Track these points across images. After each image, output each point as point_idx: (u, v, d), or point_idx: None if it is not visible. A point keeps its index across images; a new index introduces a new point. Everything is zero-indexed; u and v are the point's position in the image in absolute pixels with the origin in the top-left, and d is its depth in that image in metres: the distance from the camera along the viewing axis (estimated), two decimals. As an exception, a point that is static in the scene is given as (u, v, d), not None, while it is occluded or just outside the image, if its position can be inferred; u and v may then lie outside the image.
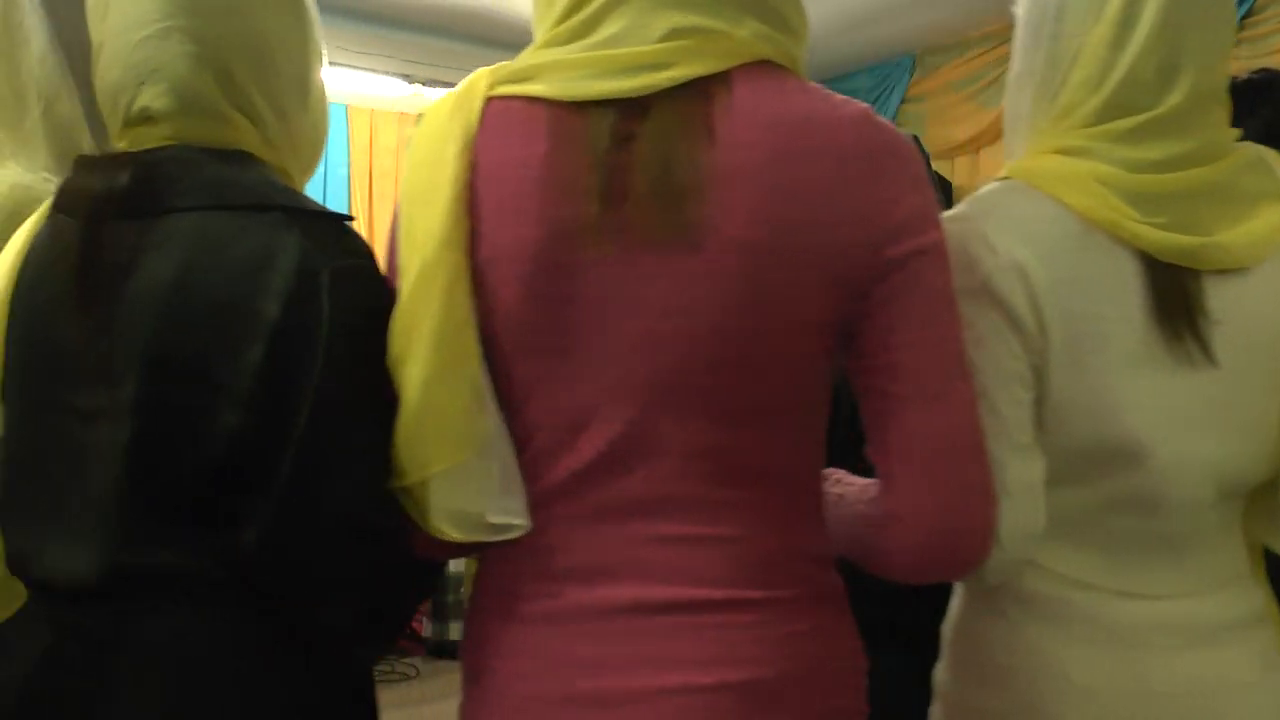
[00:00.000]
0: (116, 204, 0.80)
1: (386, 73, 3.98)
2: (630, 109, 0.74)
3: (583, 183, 0.74)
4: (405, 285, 0.77)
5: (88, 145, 1.14)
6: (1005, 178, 0.89)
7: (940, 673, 0.97)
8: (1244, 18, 3.12)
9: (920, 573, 0.80)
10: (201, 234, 0.79)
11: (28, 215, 0.89)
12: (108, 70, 0.84)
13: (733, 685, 0.74)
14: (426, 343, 0.76)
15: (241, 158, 0.85)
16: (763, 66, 0.76)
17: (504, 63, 0.81)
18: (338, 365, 0.78)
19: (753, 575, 0.76)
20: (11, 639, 0.85)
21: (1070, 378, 0.84)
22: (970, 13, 4.26)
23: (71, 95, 1.13)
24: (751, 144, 0.73)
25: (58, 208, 0.85)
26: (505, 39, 5.00)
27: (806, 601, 0.79)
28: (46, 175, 1.08)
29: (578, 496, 0.78)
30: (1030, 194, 0.86)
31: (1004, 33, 4.81)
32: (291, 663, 0.82)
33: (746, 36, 0.75)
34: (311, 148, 0.94)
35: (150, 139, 0.84)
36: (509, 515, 0.78)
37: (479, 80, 0.80)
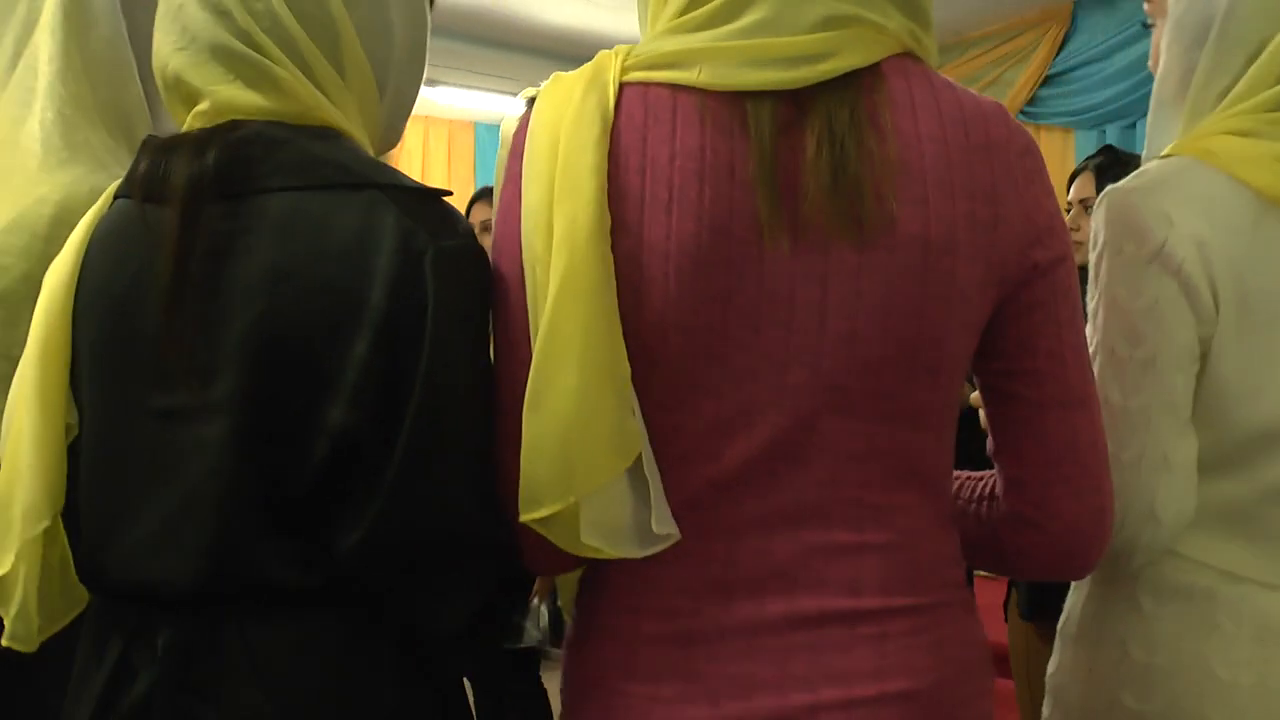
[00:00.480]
0: (209, 186, 0.74)
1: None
2: (790, 100, 0.71)
3: (747, 175, 0.70)
4: (552, 283, 0.70)
5: (147, 127, 1.08)
6: (1170, 155, 0.89)
7: (1058, 674, 0.95)
8: None
9: (1052, 571, 0.81)
10: (296, 215, 0.74)
11: None
12: (171, 53, 0.80)
13: (892, 697, 0.71)
14: (577, 347, 0.69)
15: (328, 133, 0.79)
16: (906, 59, 0.74)
17: (626, 47, 0.76)
18: (445, 356, 0.73)
19: (905, 583, 0.74)
20: (76, 648, 0.80)
21: (1237, 356, 0.84)
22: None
23: (136, 81, 1.08)
24: (920, 138, 0.71)
25: (132, 194, 0.79)
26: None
27: (952, 607, 0.77)
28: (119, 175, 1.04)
29: (718, 506, 0.74)
30: (1206, 171, 0.86)
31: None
32: (385, 677, 0.78)
33: (896, 28, 0.73)
34: (387, 134, 0.89)
35: (229, 116, 0.79)
36: (663, 526, 0.72)
37: (607, 64, 0.75)
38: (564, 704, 0.81)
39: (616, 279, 0.71)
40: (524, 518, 0.69)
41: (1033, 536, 0.77)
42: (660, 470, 0.74)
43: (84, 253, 0.80)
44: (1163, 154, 0.91)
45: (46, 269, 0.88)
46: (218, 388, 0.73)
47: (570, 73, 0.76)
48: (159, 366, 0.75)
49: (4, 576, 0.79)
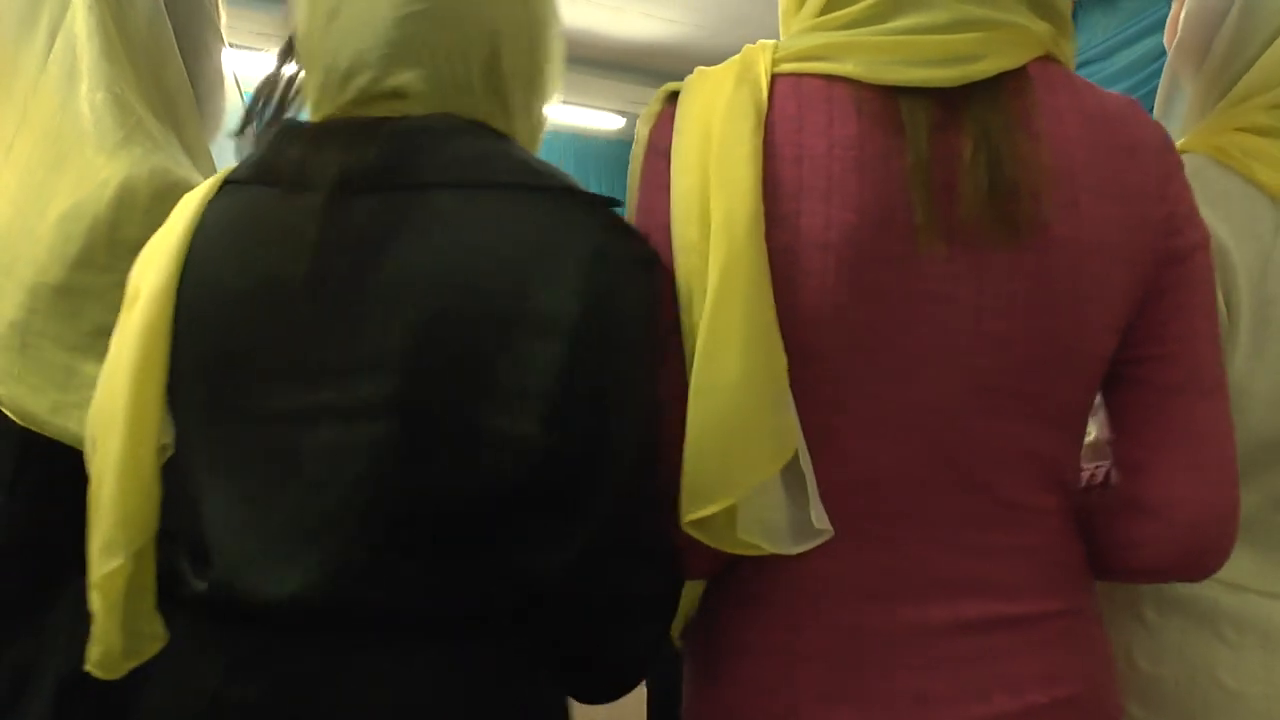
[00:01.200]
0: (366, 177, 0.70)
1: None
2: (944, 98, 0.71)
3: (902, 171, 0.70)
4: (710, 275, 0.69)
5: (193, 115, 1.04)
6: (1183, 151, 0.87)
7: None
8: None
9: (1169, 568, 0.78)
10: (467, 213, 0.69)
11: (172, 201, 0.80)
12: (342, 43, 0.74)
13: (1063, 703, 0.71)
14: (739, 340, 0.68)
15: (495, 133, 0.76)
16: (1048, 61, 0.74)
17: (772, 42, 0.76)
18: (643, 368, 0.70)
19: (1057, 586, 0.74)
20: (166, 669, 0.75)
21: (1253, 364, 0.84)
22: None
23: (178, 60, 1.04)
24: (1071, 140, 0.71)
25: (276, 182, 0.73)
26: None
27: (1092, 610, 0.77)
28: (174, 156, 0.98)
29: (871, 511, 0.72)
30: (1220, 171, 0.86)
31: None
32: (510, 709, 0.73)
33: (1040, 32, 0.73)
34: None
35: (388, 113, 0.74)
36: (821, 520, 0.70)
37: (756, 57, 0.74)
38: None
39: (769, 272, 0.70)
40: (690, 517, 0.67)
41: (1151, 527, 0.75)
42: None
43: (189, 244, 0.74)
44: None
45: (110, 255, 0.85)
46: (366, 389, 0.67)
47: (715, 67, 0.75)
48: (288, 366, 0.69)
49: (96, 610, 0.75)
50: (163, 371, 0.72)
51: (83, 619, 0.76)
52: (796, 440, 0.70)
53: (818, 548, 0.70)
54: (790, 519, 0.70)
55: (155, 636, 0.76)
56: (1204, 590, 0.86)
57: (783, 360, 0.69)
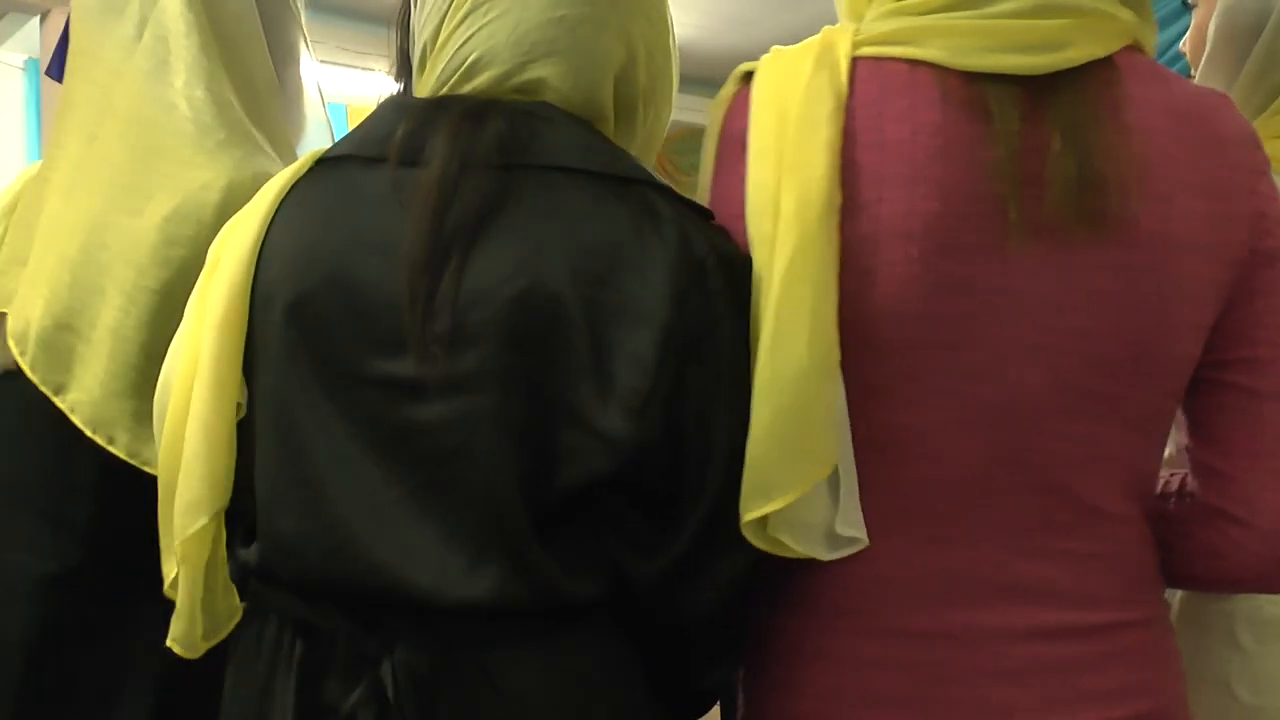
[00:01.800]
0: (484, 153, 0.71)
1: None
2: (1030, 86, 0.69)
3: (988, 161, 0.68)
4: (778, 262, 0.67)
5: (282, 119, 1.02)
6: None
7: None
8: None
9: (1254, 578, 0.76)
10: (568, 197, 0.71)
11: None
12: (480, 36, 0.75)
13: (1143, 715, 0.70)
14: (806, 330, 0.67)
15: (598, 131, 0.78)
16: (1134, 51, 0.72)
17: (850, 24, 0.74)
18: (731, 366, 0.70)
19: (1133, 595, 0.72)
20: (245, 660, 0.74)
21: None
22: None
23: (269, 65, 1.01)
24: (1159, 132, 0.69)
25: (373, 156, 0.74)
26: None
27: (1164, 621, 0.75)
28: (273, 160, 0.95)
29: (941, 512, 0.70)
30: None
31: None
32: (641, 704, 0.73)
33: (1126, 20, 0.71)
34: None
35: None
36: (854, 528, 0.69)
37: (838, 38, 0.72)
38: None
39: (843, 261, 0.68)
40: (751, 515, 0.66)
41: (1236, 536, 0.73)
42: (873, 470, 0.70)
43: (270, 220, 0.74)
44: None
45: None
46: (469, 361, 0.68)
47: (791, 47, 0.73)
48: (396, 335, 0.69)
49: (172, 579, 0.75)
50: (243, 332, 0.73)
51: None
52: (846, 439, 0.68)
53: (884, 550, 0.69)
54: (826, 522, 0.69)
55: (233, 610, 0.76)
56: None
57: (838, 355, 0.68)
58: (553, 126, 0.74)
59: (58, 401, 0.86)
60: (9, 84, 3.19)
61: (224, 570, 0.75)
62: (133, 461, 0.86)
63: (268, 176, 0.85)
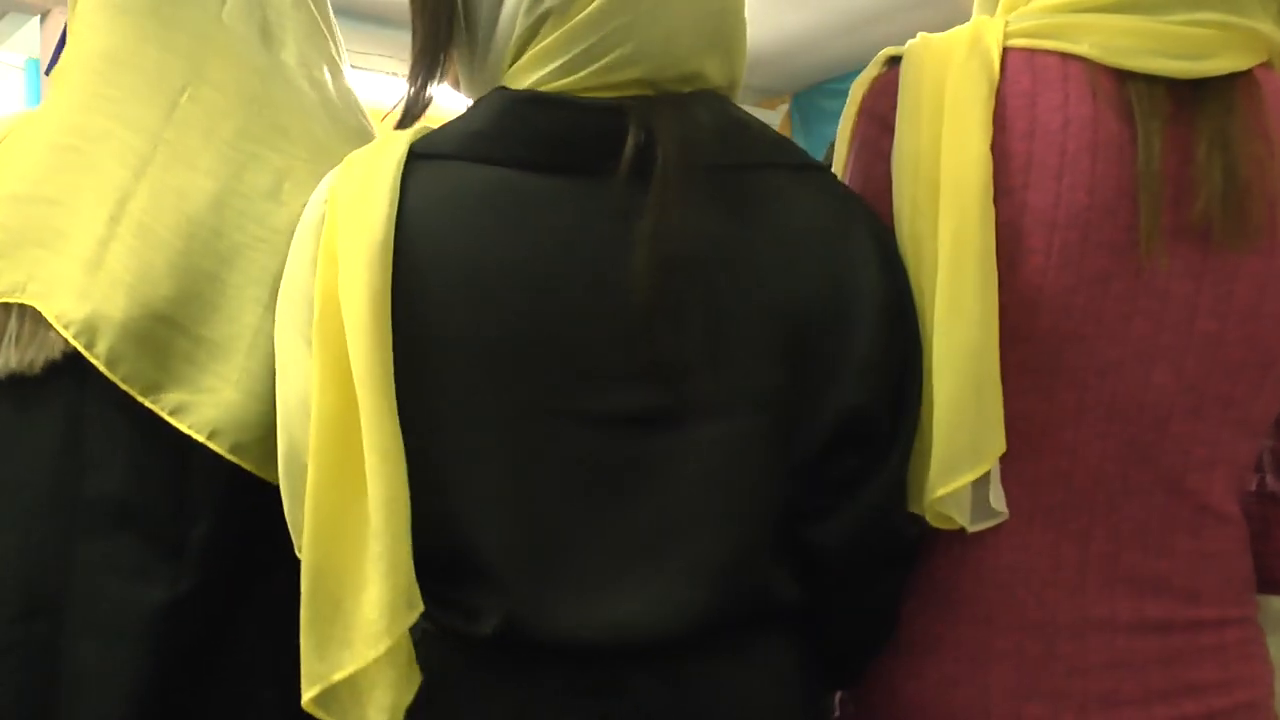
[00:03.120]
0: (701, 157, 0.65)
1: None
2: (1175, 91, 0.70)
3: (1133, 159, 0.69)
4: (943, 235, 0.68)
5: (350, 116, 0.89)
6: None
7: None
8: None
9: None
10: (780, 195, 0.68)
11: None
12: (643, 24, 0.67)
13: (1243, 707, 0.72)
14: (975, 309, 0.67)
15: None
16: (1268, 68, 0.74)
17: (999, 16, 0.75)
18: (915, 339, 0.71)
19: (1233, 592, 0.74)
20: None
21: None
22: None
23: (340, 42, 0.93)
24: None
25: (533, 161, 0.65)
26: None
27: (1256, 618, 0.77)
28: None
29: (1066, 504, 0.72)
30: None
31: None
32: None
33: (1270, 37, 0.72)
34: None
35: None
36: (1000, 502, 0.70)
37: (988, 29, 0.73)
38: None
39: None
40: (944, 490, 0.67)
41: None
42: (1005, 460, 0.70)
43: (393, 229, 0.63)
44: None
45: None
46: (725, 384, 0.63)
47: (940, 35, 0.75)
48: (613, 363, 0.63)
49: (354, 676, 0.62)
50: (391, 375, 0.62)
51: (284, 647, 0.66)
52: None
53: (1010, 539, 0.70)
54: (972, 498, 0.70)
55: (416, 681, 0.66)
56: None
57: (997, 333, 0.69)
58: (740, 121, 0.70)
59: (150, 403, 0.74)
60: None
61: (411, 651, 0.66)
62: (264, 476, 0.75)
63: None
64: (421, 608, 0.61)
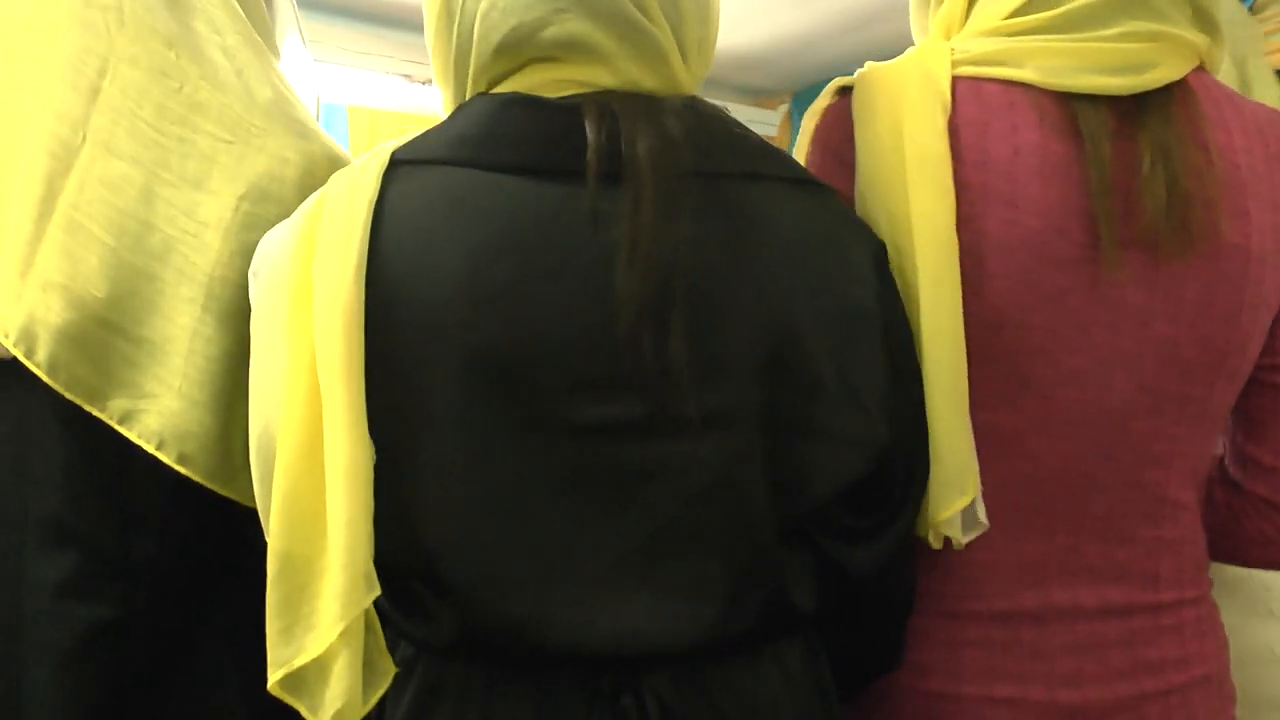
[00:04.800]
0: (678, 162, 0.63)
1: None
2: (1117, 107, 0.73)
3: (1082, 178, 0.72)
4: (922, 266, 0.70)
5: (261, 88, 0.80)
6: None
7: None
8: (1244, 18, 3.12)
9: None
10: (773, 209, 0.66)
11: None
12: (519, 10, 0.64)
13: (1198, 681, 0.76)
14: (951, 334, 0.70)
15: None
16: (1202, 72, 0.76)
17: (945, 43, 0.77)
18: (914, 358, 0.71)
19: (1189, 575, 0.78)
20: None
21: None
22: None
23: (269, 23, 0.87)
24: (1236, 149, 0.74)
25: (518, 165, 0.63)
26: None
27: (1211, 596, 0.81)
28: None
29: (1032, 505, 0.75)
30: None
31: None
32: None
33: (1198, 43, 0.75)
34: None
35: (585, 85, 0.66)
36: (983, 515, 0.74)
37: (932, 58, 0.75)
38: (868, 708, 0.80)
39: None
40: (953, 510, 0.70)
41: None
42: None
43: (371, 235, 0.63)
44: None
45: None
46: (712, 397, 0.63)
47: (886, 65, 0.77)
48: (594, 374, 0.62)
49: (318, 659, 0.62)
50: (362, 371, 0.62)
51: (250, 655, 0.65)
52: None
53: (977, 539, 0.74)
54: (971, 511, 0.73)
55: (388, 673, 0.66)
56: None
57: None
58: (720, 124, 0.68)
59: (96, 410, 0.71)
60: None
61: (379, 639, 0.66)
62: (213, 487, 0.72)
63: (341, 161, 0.74)
64: (379, 591, 0.61)
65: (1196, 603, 0.80)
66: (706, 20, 0.72)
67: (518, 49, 0.65)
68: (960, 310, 0.71)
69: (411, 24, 4.26)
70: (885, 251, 0.71)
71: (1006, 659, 0.76)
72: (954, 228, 0.71)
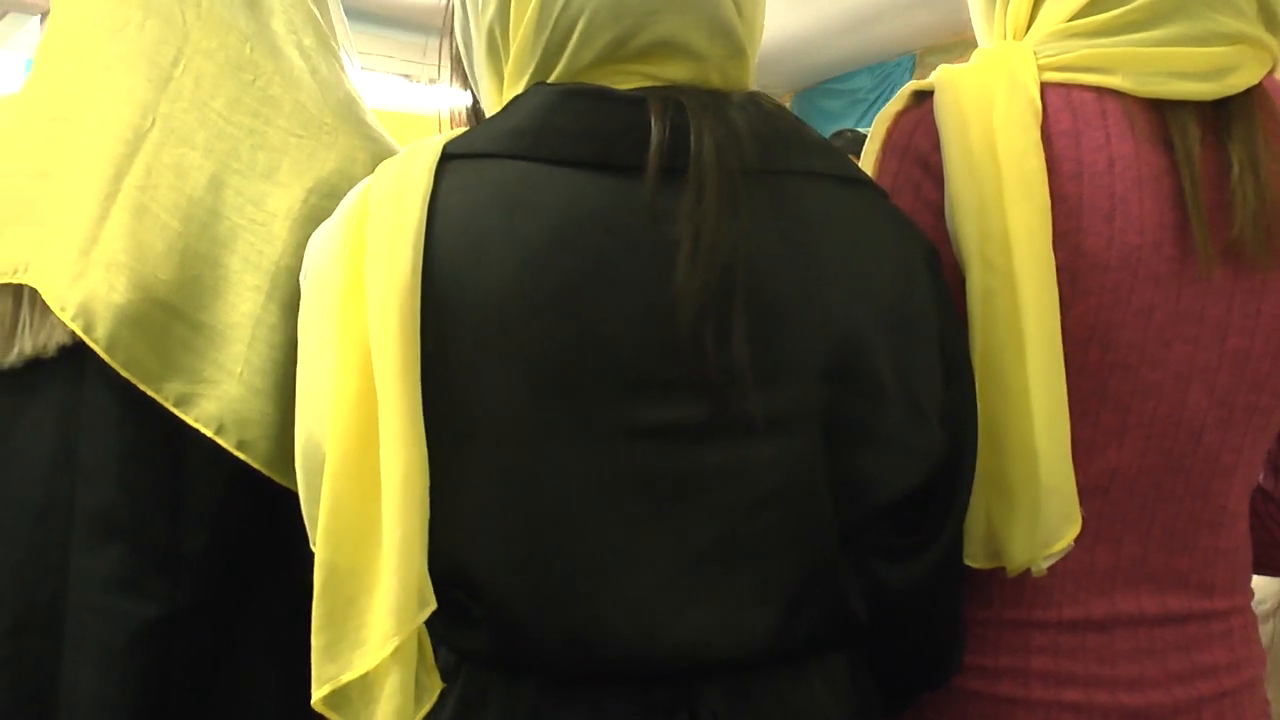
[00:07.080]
0: (744, 158, 0.61)
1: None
2: (1203, 113, 0.71)
3: (1176, 189, 0.70)
4: (1026, 290, 0.68)
5: (338, 88, 0.82)
6: None
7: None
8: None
9: None
10: (832, 207, 0.64)
11: None
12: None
13: (1248, 684, 0.77)
14: (1055, 374, 0.68)
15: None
16: (1273, 77, 0.75)
17: (1025, 45, 0.75)
18: (968, 354, 0.69)
19: (1239, 583, 0.79)
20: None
21: None
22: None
23: (341, 18, 0.88)
24: None
25: (576, 158, 0.61)
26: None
27: (1251, 604, 0.83)
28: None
29: (1102, 511, 0.75)
30: None
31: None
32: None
33: (1273, 46, 0.73)
34: None
35: (656, 78, 0.64)
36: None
37: (1021, 64, 0.73)
38: (936, 714, 0.79)
39: None
40: (1052, 550, 0.69)
41: None
42: None
43: (423, 234, 0.61)
44: None
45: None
46: (773, 400, 0.60)
47: (967, 67, 0.74)
48: (655, 376, 0.59)
49: (365, 676, 0.60)
50: (418, 374, 0.59)
51: (290, 656, 0.63)
52: None
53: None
54: None
55: (435, 688, 0.62)
56: None
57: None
58: (785, 123, 0.66)
59: (152, 391, 0.70)
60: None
61: (429, 654, 0.63)
62: (272, 475, 0.70)
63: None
64: (434, 605, 0.59)
65: (1244, 610, 0.80)
66: (760, 13, 0.72)
67: (618, 47, 0.64)
68: (1060, 337, 0.68)
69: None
70: (937, 255, 0.68)
71: (1073, 664, 0.76)
72: (1051, 246, 0.68)
